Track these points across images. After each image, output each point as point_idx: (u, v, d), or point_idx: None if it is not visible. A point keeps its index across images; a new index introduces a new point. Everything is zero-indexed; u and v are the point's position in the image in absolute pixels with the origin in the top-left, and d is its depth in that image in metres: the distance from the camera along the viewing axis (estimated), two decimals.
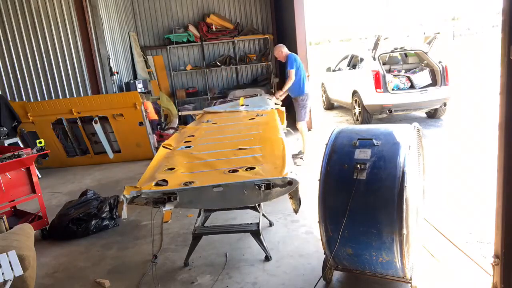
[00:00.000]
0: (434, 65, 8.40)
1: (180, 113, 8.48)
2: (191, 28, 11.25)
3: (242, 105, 5.62)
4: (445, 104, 8.18)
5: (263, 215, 3.97)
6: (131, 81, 9.48)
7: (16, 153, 4.13)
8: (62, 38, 8.36)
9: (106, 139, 7.27)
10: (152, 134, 7.53)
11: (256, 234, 3.41)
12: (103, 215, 4.39)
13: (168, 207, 2.82)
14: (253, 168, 3.06)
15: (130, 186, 2.89)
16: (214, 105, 7.01)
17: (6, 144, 6.14)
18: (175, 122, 9.83)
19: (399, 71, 9.01)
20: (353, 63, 9.49)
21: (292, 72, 6.18)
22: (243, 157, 3.39)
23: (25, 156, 4.14)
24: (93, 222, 4.31)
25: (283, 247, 3.60)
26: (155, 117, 8.60)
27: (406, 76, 8.51)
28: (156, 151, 4.23)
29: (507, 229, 2.06)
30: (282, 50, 6.39)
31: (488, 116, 7.72)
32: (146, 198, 2.87)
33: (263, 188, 2.76)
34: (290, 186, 2.78)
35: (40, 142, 4.53)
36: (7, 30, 8.19)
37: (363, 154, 2.58)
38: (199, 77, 11.93)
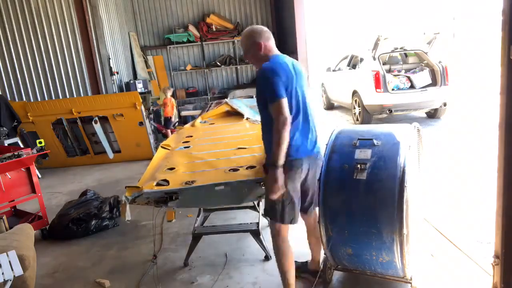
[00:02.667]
0: (434, 65, 8.40)
1: (181, 114, 8.53)
2: (191, 28, 11.26)
3: None
4: (445, 104, 8.18)
5: (263, 215, 3.97)
6: (131, 81, 9.49)
7: (16, 153, 4.13)
8: (62, 38, 8.36)
9: (106, 139, 7.27)
10: (151, 134, 7.55)
11: (255, 233, 3.41)
12: (103, 215, 4.39)
13: (170, 205, 2.84)
14: (254, 166, 3.07)
15: (131, 186, 2.89)
16: (211, 106, 5.91)
17: (6, 144, 6.13)
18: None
19: (399, 71, 9.00)
20: (353, 63, 9.49)
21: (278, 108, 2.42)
22: (243, 156, 3.40)
23: (25, 156, 4.14)
24: (93, 222, 4.31)
25: None
26: (172, 114, 8.69)
27: (406, 76, 8.50)
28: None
29: (507, 229, 2.06)
30: (248, 41, 2.64)
31: (488, 116, 7.72)
32: (147, 198, 2.88)
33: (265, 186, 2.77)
34: None
35: (40, 142, 4.54)
36: (7, 30, 8.19)
37: (363, 154, 2.58)
38: (199, 77, 11.93)
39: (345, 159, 2.63)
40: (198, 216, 3.82)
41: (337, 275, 3.03)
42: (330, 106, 11.17)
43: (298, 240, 3.72)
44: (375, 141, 2.60)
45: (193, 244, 3.46)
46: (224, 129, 4.57)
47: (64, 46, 8.41)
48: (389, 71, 8.88)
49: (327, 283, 2.94)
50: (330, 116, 10.35)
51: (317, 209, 2.75)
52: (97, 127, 7.13)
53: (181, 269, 3.41)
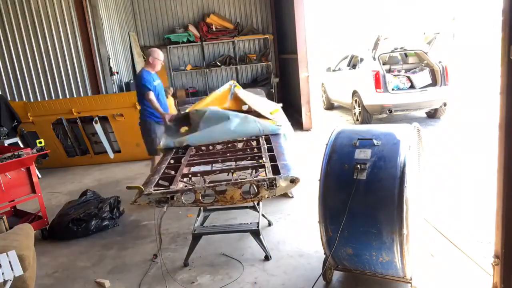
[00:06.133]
0: (434, 65, 8.40)
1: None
2: (191, 28, 11.25)
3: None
4: (445, 104, 8.17)
5: (263, 215, 3.98)
6: (131, 81, 9.48)
7: (16, 153, 4.13)
8: (62, 38, 8.35)
9: (106, 139, 7.27)
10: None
11: (255, 233, 3.41)
12: (103, 215, 4.39)
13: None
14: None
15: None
16: None
17: (6, 144, 6.13)
18: None
19: (399, 71, 9.00)
20: (353, 63, 9.48)
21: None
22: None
23: (25, 156, 4.14)
24: (93, 222, 4.31)
25: (283, 247, 3.60)
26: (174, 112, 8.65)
27: (406, 76, 8.50)
28: None
29: (507, 229, 2.06)
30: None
31: (488, 116, 7.71)
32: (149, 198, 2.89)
33: (266, 186, 2.78)
34: (292, 183, 2.81)
35: (40, 142, 4.53)
36: (7, 30, 8.18)
37: (363, 154, 2.58)
38: (199, 77, 11.93)
39: (345, 159, 2.63)
40: (198, 216, 3.82)
41: (337, 275, 3.03)
42: (330, 106, 11.17)
43: (302, 240, 3.72)
44: (375, 141, 2.60)
45: (193, 244, 3.46)
46: None
47: (64, 46, 8.39)
48: (389, 71, 8.87)
49: (327, 283, 2.95)
50: (330, 116, 10.35)
51: None
52: (97, 127, 7.13)
53: (181, 269, 3.41)
